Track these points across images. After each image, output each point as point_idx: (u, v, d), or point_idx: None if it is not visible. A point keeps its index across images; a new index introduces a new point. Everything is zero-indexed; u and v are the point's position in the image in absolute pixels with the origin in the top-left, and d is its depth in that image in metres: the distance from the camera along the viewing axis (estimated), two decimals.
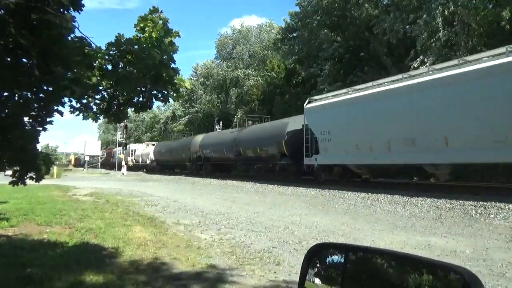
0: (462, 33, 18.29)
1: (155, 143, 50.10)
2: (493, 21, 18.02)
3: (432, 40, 18.65)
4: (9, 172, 3.60)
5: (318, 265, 0.98)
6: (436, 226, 7.56)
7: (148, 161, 44.73)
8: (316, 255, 1.00)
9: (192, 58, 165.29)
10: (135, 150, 50.93)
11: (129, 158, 49.29)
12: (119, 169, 43.67)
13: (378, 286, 0.88)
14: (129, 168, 47.77)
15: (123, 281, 4.05)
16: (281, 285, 4.06)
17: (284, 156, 19.56)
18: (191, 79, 53.18)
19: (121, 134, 52.09)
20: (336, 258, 0.97)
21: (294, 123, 19.34)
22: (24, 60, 3.08)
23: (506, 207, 8.65)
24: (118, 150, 51.79)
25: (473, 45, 18.23)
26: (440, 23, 17.90)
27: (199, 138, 31.84)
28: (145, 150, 47.99)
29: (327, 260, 0.99)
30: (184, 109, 56.92)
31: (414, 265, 0.85)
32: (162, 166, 41.45)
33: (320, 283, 0.96)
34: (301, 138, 17.51)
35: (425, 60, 18.68)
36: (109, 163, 58.82)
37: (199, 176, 28.74)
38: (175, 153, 36.05)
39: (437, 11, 17.78)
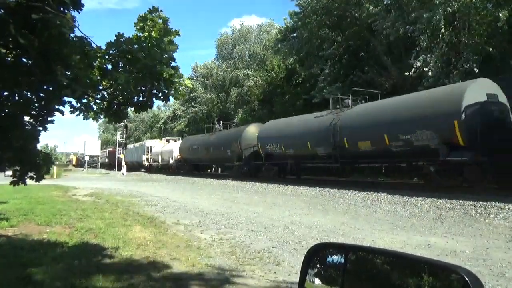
0: (463, 33, 18.27)
1: (178, 138, 42.00)
2: (492, 21, 18.03)
3: (436, 41, 18.62)
4: (10, 173, 3.60)
5: (318, 265, 0.98)
6: (436, 226, 7.56)
7: (171, 160, 36.36)
8: (316, 255, 0.99)
9: (191, 58, 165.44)
10: (151, 148, 42.77)
11: (144, 157, 42.68)
12: (119, 169, 43.57)
13: (378, 287, 0.87)
14: (146, 169, 42.71)
15: (123, 281, 4.05)
16: (281, 285, 4.06)
17: (457, 148, 11.70)
18: (192, 78, 53.20)
19: (121, 134, 51.97)
20: (336, 258, 0.96)
21: (476, 90, 11.90)
22: (24, 60, 3.09)
23: (506, 207, 8.65)
24: (118, 149, 50.99)
25: (475, 45, 18.21)
26: (442, 21, 17.86)
27: (254, 128, 24.00)
28: (166, 147, 39.42)
29: (327, 260, 0.98)
30: (184, 108, 56.95)
31: (414, 265, 0.85)
32: (192, 167, 32.97)
33: (320, 283, 0.95)
34: (498, 114, 11.54)
35: (428, 59, 18.62)
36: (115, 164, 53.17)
37: (253, 180, 20.87)
38: (215, 149, 27.02)
39: (440, 9, 17.74)
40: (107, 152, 63.94)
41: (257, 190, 16.72)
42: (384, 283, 0.86)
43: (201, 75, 52.63)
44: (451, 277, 0.75)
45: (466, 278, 0.69)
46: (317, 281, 0.96)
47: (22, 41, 2.39)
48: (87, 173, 48.32)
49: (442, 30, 18.02)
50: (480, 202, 9.26)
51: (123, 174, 38.89)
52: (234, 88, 44.39)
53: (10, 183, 3.38)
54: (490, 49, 18.21)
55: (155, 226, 7.70)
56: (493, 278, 4.20)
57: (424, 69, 18.48)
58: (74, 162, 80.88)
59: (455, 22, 18.63)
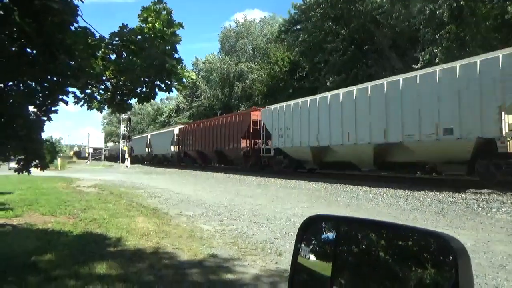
0: (470, 27, 18.11)
1: None
2: (498, 15, 17.88)
3: (441, 32, 18.44)
4: (13, 165, 3.66)
5: (310, 238, 1.00)
6: (437, 219, 7.58)
7: None
8: (309, 229, 1.01)
9: (193, 51, 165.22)
10: None
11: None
12: (123, 161, 43.78)
13: (369, 257, 0.90)
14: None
15: (126, 269, 4.10)
16: (283, 275, 4.10)
17: None
18: (195, 73, 52.98)
19: (124, 127, 52.15)
20: (328, 230, 0.98)
21: None
22: (28, 50, 3.11)
23: (509, 201, 8.65)
24: (122, 142, 50.72)
25: (481, 38, 18.06)
26: (446, 14, 17.69)
27: None
28: None
29: (319, 233, 1.00)
30: (187, 102, 57.01)
31: (403, 233, 0.87)
32: None
33: (312, 256, 0.97)
34: None
35: (436, 51, 18.43)
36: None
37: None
38: None
39: (445, 4, 17.59)
40: (173, 135, 34.54)
41: (260, 183, 16.76)
42: (375, 254, 0.89)
43: (203, 70, 52.40)
44: (435, 242, 0.78)
45: (451, 244, 0.71)
46: (309, 254, 0.98)
47: (27, 29, 2.41)
48: (91, 165, 48.57)
49: (445, 20, 17.84)
50: (483, 196, 9.26)
51: (126, 166, 39.09)
52: (237, 83, 44.28)
53: (15, 171, 3.43)
54: (495, 43, 18.06)
55: (158, 217, 7.76)
56: (494, 270, 4.22)
57: (437, 60, 18.25)
58: (86, 154, 79.45)
59: (461, 14, 18.45)
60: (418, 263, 0.79)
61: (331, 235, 0.96)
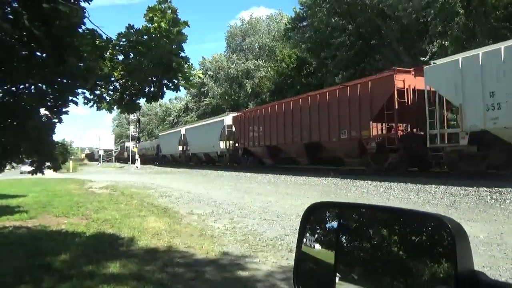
0: (479, 17, 17.84)
1: None
2: (509, 4, 17.59)
3: (450, 24, 18.20)
4: (24, 169, 3.74)
5: (313, 226, 1.00)
6: (449, 212, 7.50)
7: None
8: (312, 217, 1.01)
9: (200, 51, 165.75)
10: None
11: None
12: (133, 162, 44.14)
13: (369, 242, 0.90)
14: None
15: (139, 268, 4.15)
16: None
17: None
18: (202, 73, 52.99)
19: (134, 128, 52.49)
20: (329, 217, 0.98)
21: None
22: (38, 53, 3.16)
23: None
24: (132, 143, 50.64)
25: (491, 28, 17.78)
26: (458, 4, 17.43)
27: None
28: None
29: (322, 221, 0.99)
30: (195, 102, 57.19)
31: (401, 216, 0.88)
32: None
33: (316, 244, 0.98)
34: None
35: (445, 43, 18.18)
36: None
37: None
38: None
39: None
40: (223, 126, 26.16)
41: (270, 180, 16.74)
42: (373, 238, 0.90)
43: (210, 69, 52.35)
44: (433, 224, 0.78)
45: (449, 225, 0.72)
46: (313, 243, 0.98)
47: (36, 32, 2.45)
48: (102, 167, 49.07)
49: (461, 12, 17.54)
50: (496, 188, 9.12)
51: (137, 167, 39.39)
52: (246, 80, 44.26)
53: (29, 173, 3.48)
54: (506, 32, 17.79)
55: (169, 216, 7.82)
56: (507, 262, 4.18)
57: (448, 52, 18.03)
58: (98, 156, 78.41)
59: (470, 7, 18.18)
60: (416, 245, 0.80)
61: (333, 221, 0.96)
